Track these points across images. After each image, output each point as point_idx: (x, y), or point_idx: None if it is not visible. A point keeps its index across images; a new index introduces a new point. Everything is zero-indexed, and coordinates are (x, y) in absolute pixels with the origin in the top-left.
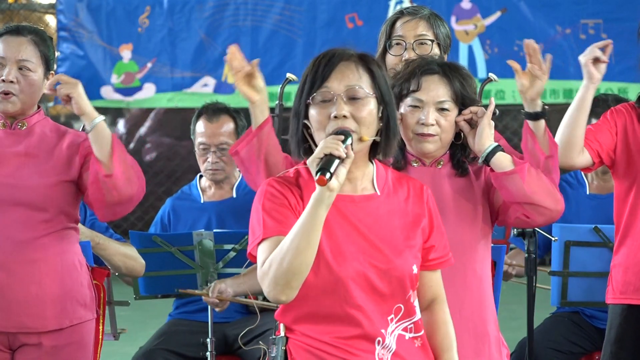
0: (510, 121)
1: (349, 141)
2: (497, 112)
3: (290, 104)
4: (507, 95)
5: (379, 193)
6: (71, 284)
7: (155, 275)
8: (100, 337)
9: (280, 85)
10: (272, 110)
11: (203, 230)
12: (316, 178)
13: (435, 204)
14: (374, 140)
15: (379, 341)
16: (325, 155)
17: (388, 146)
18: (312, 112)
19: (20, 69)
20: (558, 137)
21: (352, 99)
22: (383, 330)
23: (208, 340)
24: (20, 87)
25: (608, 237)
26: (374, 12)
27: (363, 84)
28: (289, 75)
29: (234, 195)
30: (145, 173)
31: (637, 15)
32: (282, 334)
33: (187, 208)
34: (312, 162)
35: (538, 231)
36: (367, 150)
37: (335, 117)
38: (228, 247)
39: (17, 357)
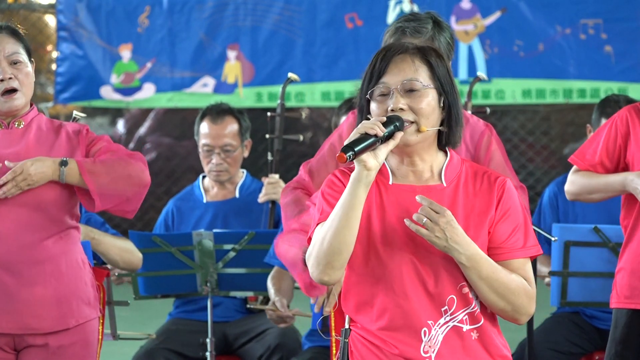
0: (510, 121)
1: (392, 127)
2: (488, 110)
3: (289, 103)
4: (507, 95)
5: (444, 184)
6: (76, 283)
7: (154, 275)
8: (100, 337)
9: (282, 85)
10: (273, 110)
11: (203, 230)
12: (337, 154)
13: (516, 198)
14: (442, 130)
15: (425, 332)
16: (360, 134)
17: (452, 135)
18: (372, 106)
19: (12, 64)
20: (576, 188)
21: (409, 91)
22: (430, 322)
23: (208, 340)
24: (19, 81)
25: (608, 237)
26: (373, 12)
27: (420, 76)
28: (290, 75)
29: (237, 195)
30: None
31: (637, 15)
32: (347, 325)
33: (190, 208)
34: (346, 141)
35: (538, 231)
36: (432, 141)
37: (392, 110)
38: (228, 247)
39: (23, 358)
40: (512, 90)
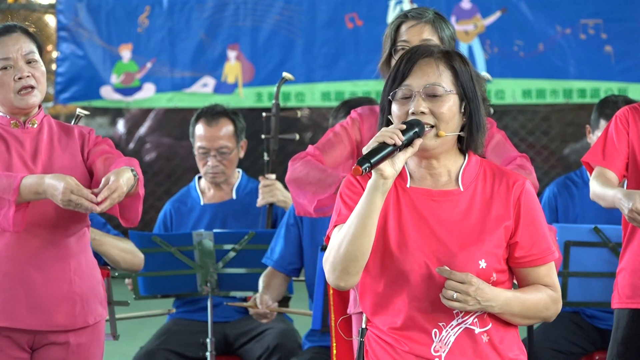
0: (510, 121)
1: (411, 133)
2: (492, 110)
3: (289, 104)
4: (507, 95)
5: (462, 189)
6: (93, 281)
7: (155, 275)
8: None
9: (277, 85)
10: (268, 110)
11: (203, 230)
12: (353, 166)
13: (535, 201)
14: (462, 136)
15: (435, 333)
16: (379, 144)
17: (472, 141)
18: (394, 108)
19: (28, 62)
20: (592, 194)
21: (431, 95)
22: (442, 323)
23: (208, 340)
24: (36, 79)
25: (608, 237)
26: (374, 12)
27: (443, 81)
28: (285, 74)
29: (234, 197)
30: (145, 173)
31: (637, 15)
32: (364, 325)
33: (188, 210)
34: (364, 150)
35: None
36: (451, 145)
37: (413, 113)
38: (228, 247)
39: (39, 356)
40: (512, 90)
